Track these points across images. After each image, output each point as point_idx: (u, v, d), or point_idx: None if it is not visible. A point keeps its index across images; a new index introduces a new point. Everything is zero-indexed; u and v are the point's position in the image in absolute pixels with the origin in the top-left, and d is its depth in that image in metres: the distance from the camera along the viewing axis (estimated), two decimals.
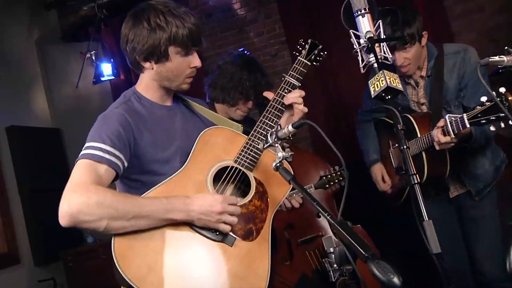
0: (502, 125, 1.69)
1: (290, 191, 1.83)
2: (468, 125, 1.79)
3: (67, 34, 4.55)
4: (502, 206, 2.31)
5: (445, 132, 1.90)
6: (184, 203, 1.44)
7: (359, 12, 1.46)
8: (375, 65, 1.43)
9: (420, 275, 2.62)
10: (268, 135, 1.45)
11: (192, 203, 1.44)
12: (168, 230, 1.44)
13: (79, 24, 4.39)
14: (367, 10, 1.45)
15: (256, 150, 1.64)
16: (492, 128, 1.72)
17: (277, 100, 1.72)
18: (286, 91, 1.73)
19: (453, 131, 1.86)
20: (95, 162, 1.41)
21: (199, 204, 1.45)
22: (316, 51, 1.81)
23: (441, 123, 1.93)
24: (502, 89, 1.61)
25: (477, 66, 1.45)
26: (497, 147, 2.28)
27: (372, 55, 1.44)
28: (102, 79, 4.22)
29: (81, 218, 1.31)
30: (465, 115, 1.79)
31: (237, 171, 1.61)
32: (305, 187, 2.36)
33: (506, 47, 1.41)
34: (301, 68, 1.77)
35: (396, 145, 2.16)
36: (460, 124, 1.82)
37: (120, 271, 1.33)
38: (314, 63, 1.82)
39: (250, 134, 1.68)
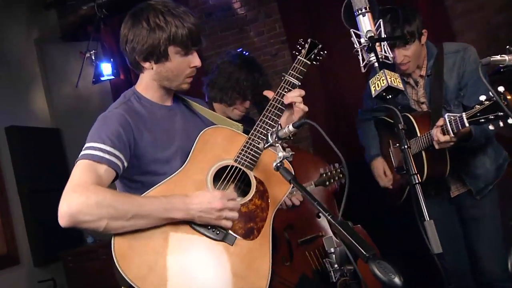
0: (501, 124, 1.69)
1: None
2: (467, 124, 1.79)
3: (66, 33, 4.56)
4: (503, 206, 2.30)
5: (444, 131, 1.90)
6: (184, 201, 1.43)
7: (359, 11, 1.45)
8: (376, 64, 1.42)
9: (421, 275, 2.62)
10: (269, 134, 1.44)
11: (191, 202, 1.44)
12: (168, 230, 1.43)
13: (79, 23, 4.40)
14: (367, 9, 1.45)
15: (256, 150, 1.63)
16: (491, 127, 1.72)
17: (277, 99, 1.71)
18: (286, 90, 1.72)
19: (452, 130, 1.86)
20: (95, 162, 1.40)
21: (198, 202, 1.44)
22: (316, 50, 1.81)
23: (440, 122, 1.93)
24: (501, 88, 1.61)
25: (478, 65, 1.44)
26: (499, 146, 2.27)
27: (372, 54, 1.43)
28: (102, 79, 4.22)
29: (81, 218, 1.31)
30: (464, 114, 1.79)
31: (237, 170, 1.61)
32: (305, 184, 2.36)
33: (507, 46, 1.40)
34: (301, 68, 1.77)
35: (397, 144, 2.15)
36: (459, 123, 1.82)
37: (120, 271, 1.33)
38: (314, 63, 1.82)
39: (250, 133, 1.67)
